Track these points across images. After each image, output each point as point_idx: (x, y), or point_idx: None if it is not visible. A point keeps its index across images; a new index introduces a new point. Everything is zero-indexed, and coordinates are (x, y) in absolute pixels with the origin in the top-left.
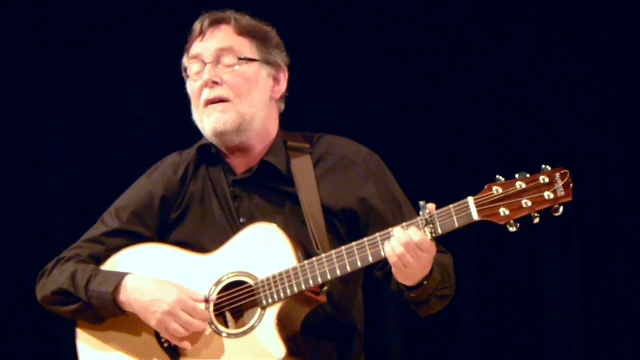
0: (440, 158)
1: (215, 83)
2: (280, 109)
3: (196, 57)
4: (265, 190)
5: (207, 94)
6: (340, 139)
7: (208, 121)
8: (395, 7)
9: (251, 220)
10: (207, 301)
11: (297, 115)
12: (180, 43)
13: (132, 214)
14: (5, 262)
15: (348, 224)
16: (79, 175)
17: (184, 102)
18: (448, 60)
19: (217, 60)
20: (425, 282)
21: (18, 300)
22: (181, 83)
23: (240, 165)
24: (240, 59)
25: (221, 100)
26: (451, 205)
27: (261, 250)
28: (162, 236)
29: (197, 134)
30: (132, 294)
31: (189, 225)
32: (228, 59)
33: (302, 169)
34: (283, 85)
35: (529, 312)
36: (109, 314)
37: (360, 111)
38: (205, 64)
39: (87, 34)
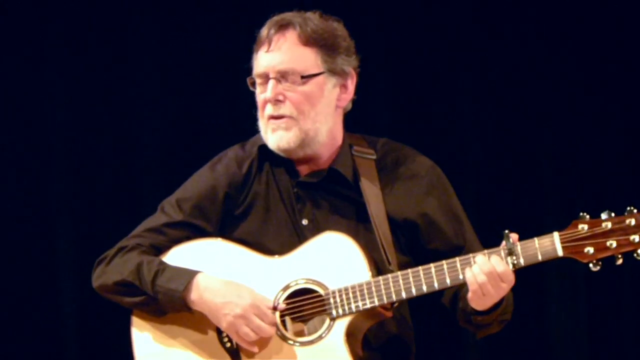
0: (441, 160)
1: (279, 101)
2: (346, 110)
3: (261, 71)
4: (329, 194)
5: (271, 110)
6: (403, 148)
7: (272, 137)
8: (396, 7)
9: (314, 222)
10: (275, 309)
11: None
12: (181, 42)
13: (194, 207)
14: (7, 262)
15: (408, 235)
16: (81, 173)
17: (186, 100)
18: (449, 60)
19: (280, 76)
20: (495, 309)
21: (20, 301)
22: (183, 82)
23: (304, 167)
24: (303, 77)
25: (284, 117)
26: (535, 238)
27: (333, 260)
28: (222, 231)
29: (200, 131)
30: (203, 293)
31: (252, 223)
32: (292, 77)
33: (368, 176)
34: (350, 92)
35: (533, 318)
36: (173, 310)
37: (361, 112)
38: (269, 79)
39: (87, 32)
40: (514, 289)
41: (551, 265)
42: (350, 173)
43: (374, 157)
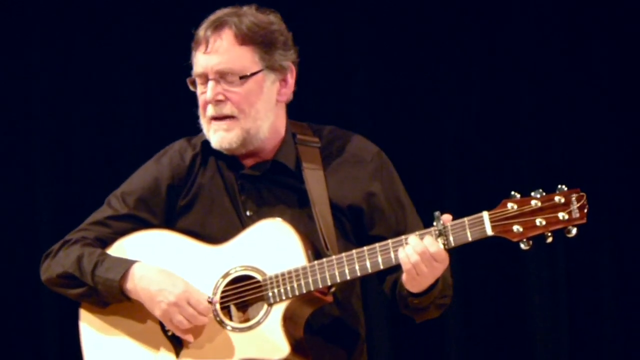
0: (428, 156)
1: (219, 101)
2: (288, 101)
3: (199, 71)
4: (273, 184)
5: (212, 110)
6: (349, 135)
7: (214, 137)
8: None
9: (258, 213)
10: (210, 303)
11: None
12: (170, 43)
13: (138, 200)
14: None
15: (354, 221)
16: (66, 172)
17: (173, 100)
18: (439, 57)
19: (219, 77)
20: (430, 290)
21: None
22: (172, 83)
23: (248, 160)
24: (241, 77)
25: (225, 117)
26: (465, 218)
27: (271, 247)
28: (168, 223)
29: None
30: (138, 282)
31: (196, 214)
32: (230, 77)
33: (311, 164)
34: (290, 86)
35: (515, 317)
36: (114, 300)
37: (348, 108)
38: (208, 79)
39: (74, 33)
40: (496, 283)
41: (531, 259)
42: (293, 162)
43: (319, 144)
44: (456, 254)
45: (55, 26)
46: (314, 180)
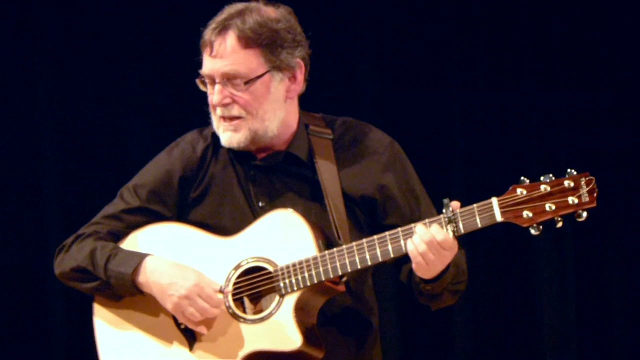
0: (435, 143)
1: (227, 104)
2: (301, 93)
3: (207, 73)
4: (286, 175)
5: (220, 111)
6: (362, 126)
7: (223, 136)
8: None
9: (270, 204)
10: (222, 292)
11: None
12: (175, 44)
13: (151, 193)
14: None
15: (367, 212)
16: (74, 172)
17: (178, 101)
18: (446, 52)
19: (226, 80)
20: (442, 276)
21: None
22: (178, 82)
23: (261, 151)
24: (247, 82)
25: (234, 118)
26: (475, 205)
27: (282, 237)
28: (181, 215)
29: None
30: (150, 275)
31: (209, 206)
32: (236, 81)
33: (324, 155)
34: (300, 83)
35: (523, 313)
36: (127, 293)
37: (355, 96)
38: (215, 83)
39: (81, 32)
40: (503, 271)
41: (540, 246)
42: (305, 154)
43: (331, 136)
44: (463, 241)
45: (55, 26)
46: (327, 171)
